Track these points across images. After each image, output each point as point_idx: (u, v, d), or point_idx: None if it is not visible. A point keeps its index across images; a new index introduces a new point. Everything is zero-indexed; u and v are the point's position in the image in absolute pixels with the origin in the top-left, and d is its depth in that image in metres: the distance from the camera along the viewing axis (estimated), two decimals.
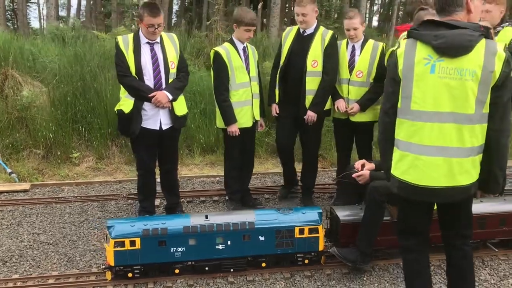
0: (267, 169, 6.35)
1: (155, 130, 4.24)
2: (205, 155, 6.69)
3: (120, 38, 4.17)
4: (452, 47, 2.36)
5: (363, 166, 3.89)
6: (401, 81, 2.49)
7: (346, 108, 4.60)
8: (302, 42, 4.64)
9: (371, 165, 3.89)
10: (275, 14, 17.14)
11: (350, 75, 4.58)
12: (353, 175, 3.84)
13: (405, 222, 2.78)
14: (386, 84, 2.64)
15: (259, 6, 18.74)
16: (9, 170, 5.73)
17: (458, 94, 2.38)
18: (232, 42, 4.60)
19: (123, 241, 3.37)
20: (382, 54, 4.50)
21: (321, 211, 3.72)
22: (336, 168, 5.32)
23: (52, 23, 15.17)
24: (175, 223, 3.49)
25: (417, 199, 2.59)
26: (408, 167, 2.52)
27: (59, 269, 3.72)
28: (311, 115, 4.60)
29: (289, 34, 4.77)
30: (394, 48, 4.41)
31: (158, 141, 4.35)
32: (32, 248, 4.07)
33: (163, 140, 4.36)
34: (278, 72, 4.78)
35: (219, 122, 4.73)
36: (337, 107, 4.65)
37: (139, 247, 3.39)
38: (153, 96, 4.08)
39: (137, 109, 4.14)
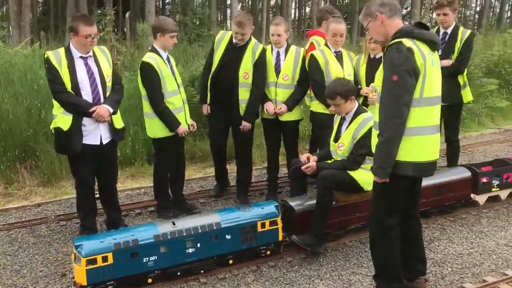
0: (190, 175, 6.45)
1: (96, 145, 4.16)
2: (124, 168, 6.55)
3: (50, 54, 4.02)
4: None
5: (308, 158, 4.28)
6: (420, 73, 2.86)
7: (274, 109, 4.96)
8: (234, 53, 4.87)
9: (315, 158, 4.31)
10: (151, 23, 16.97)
11: (277, 78, 4.96)
12: (302, 168, 4.20)
13: (398, 202, 3.11)
14: (402, 80, 2.81)
15: (127, 14, 18.40)
16: None
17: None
18: (155, 52, 4.64)
19: (95, 258, 3.30)
20: (304, 59, 4.96)
21: (277, 204, 4.02)
22: (265, 165, 5.67)
23: None
24: (144, 233, 3.51)
25: (425, 175, 3.10)
26: (421, 148, 2.94)
27: None
28: (246, 125, 4.93)
29: (221, 42, 4.94)
30: (315, 51, 4.92)
31: (98, 156, 4.26)
32: None
33: (104, 155, 4.28)
34: (210, 77, 4.97)
35: (153, 132, 4.76)
36: (266, 109, 4.99)
37: (112, 262, 3.34)
38: (94, 111, 4.01)
39: (76, 125, 4.03)
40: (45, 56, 4.04)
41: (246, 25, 4.71)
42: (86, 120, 4.06)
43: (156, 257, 3.50)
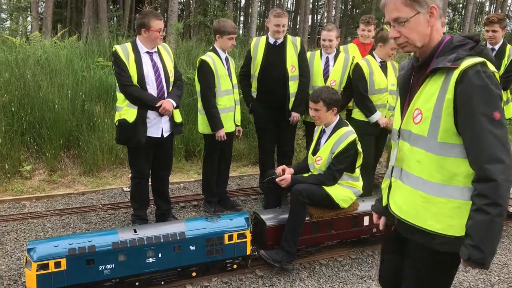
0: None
1: (157, 137, 4.31)
2: None
3: (118, 48, 4.17)
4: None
5: (284, 171, 4.17)
6: None
7: None
8: (276, 51, 5.02)
9: (291, 170, 4.20)
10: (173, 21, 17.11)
11: (325, 83, 5.10)
12: (276, 180, 4.05)
13: None
14: (504, 118, 1.96)
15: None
16: None
17: None
18: (215, 52, 4.85)
19: (47, 263, 3.14)
20: (351, 66, 5.10)
21: (247, 216, 3.84)
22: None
23: None
24: (103, 240, 3.34)
25: None
26: None
27: None
28: (296, 116, 5.08)
29: (259, 46, 5.10)
30: (360, 61, 5.05)
31: (156, 149, 4.41)
32: None
33: (162, 148, 4.44)
34: (256, 81, 5.12)
35: (203, 128, 4.95)
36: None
37: (65, 268, 3.19)
38: (160, 105, 4.17)
39: (141, 118, 4.17)
40: (113, 49, 4.19)
41: (286, 15, 4.90)
42: (150, 113, 4.21)
43: (113, 265, 3.33)
